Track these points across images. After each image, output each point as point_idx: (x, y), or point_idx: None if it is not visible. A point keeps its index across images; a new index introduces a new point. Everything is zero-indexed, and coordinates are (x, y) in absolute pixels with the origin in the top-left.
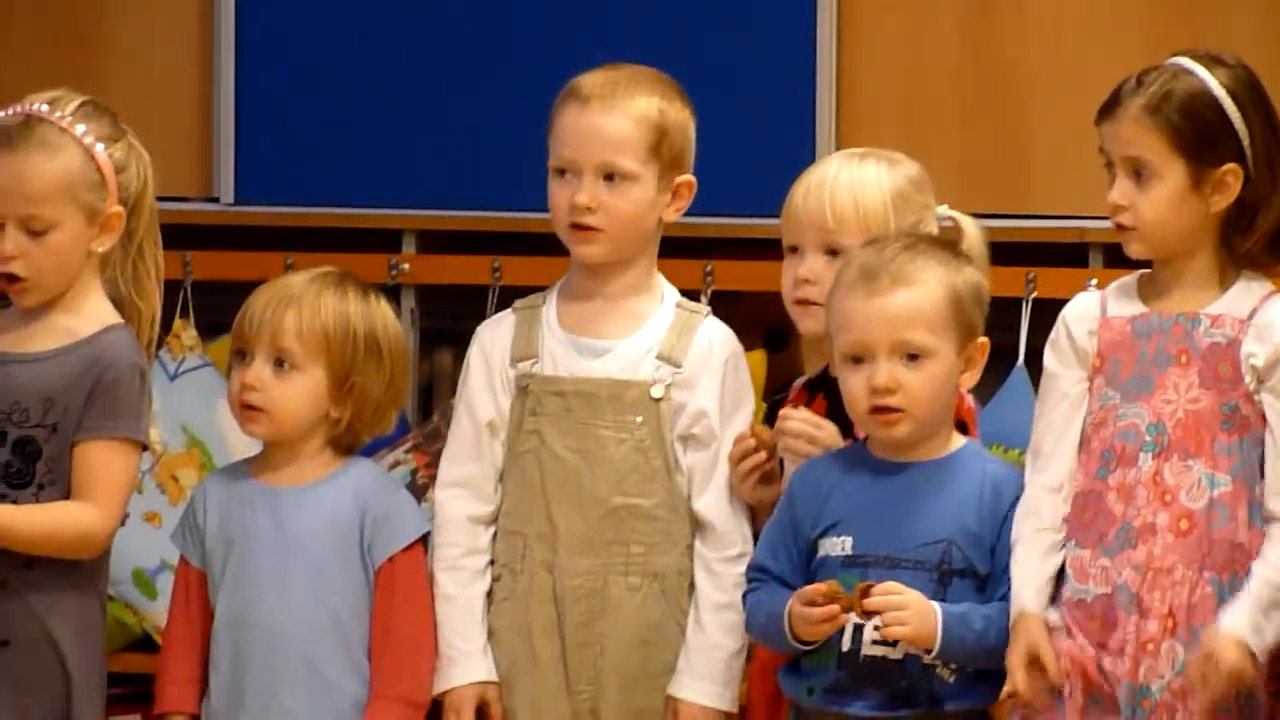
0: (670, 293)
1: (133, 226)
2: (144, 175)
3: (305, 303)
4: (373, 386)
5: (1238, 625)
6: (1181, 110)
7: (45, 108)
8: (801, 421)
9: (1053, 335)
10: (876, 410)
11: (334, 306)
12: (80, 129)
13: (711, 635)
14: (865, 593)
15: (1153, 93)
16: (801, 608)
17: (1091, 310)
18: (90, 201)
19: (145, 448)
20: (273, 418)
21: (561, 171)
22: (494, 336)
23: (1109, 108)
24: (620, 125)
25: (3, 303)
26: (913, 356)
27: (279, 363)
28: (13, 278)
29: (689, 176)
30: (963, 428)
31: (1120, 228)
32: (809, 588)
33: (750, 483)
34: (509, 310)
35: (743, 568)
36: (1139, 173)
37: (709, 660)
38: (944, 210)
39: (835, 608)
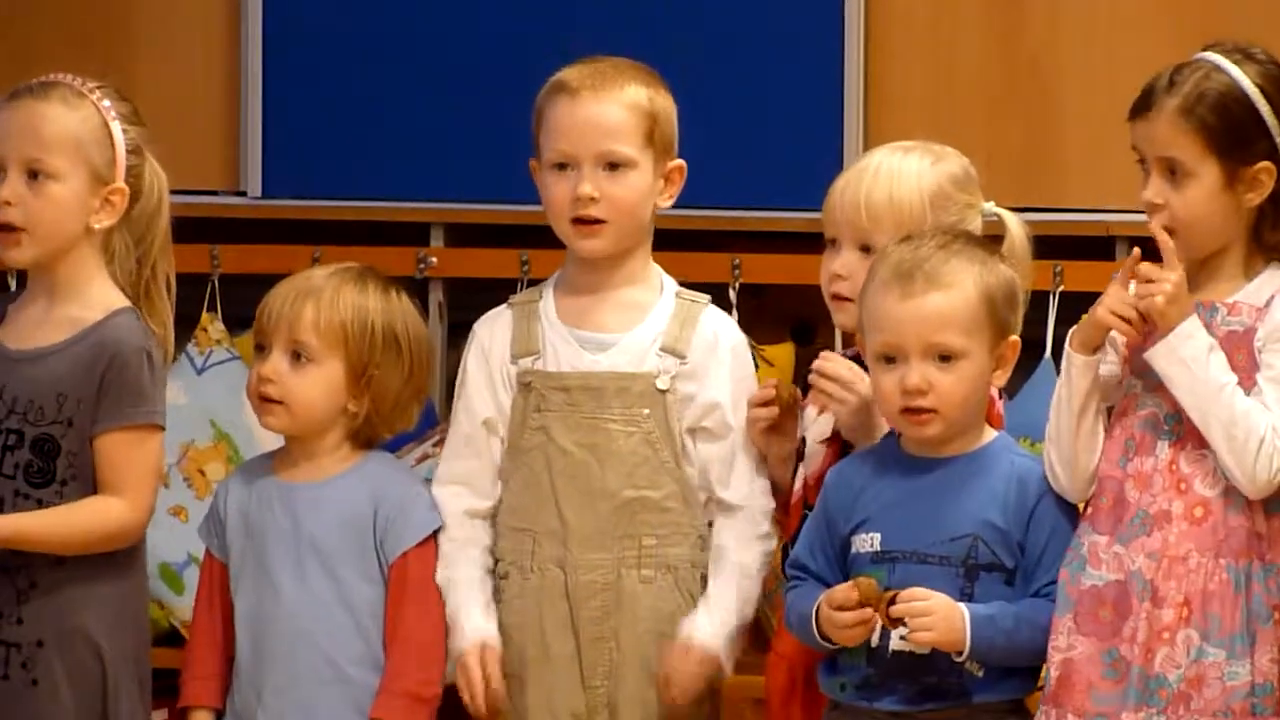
0: (669, 283)
1: (147, 245)
2: (159, 193)
3: (324, 296)
4: (391, 381)
5: None
6: (1215, 110)
7: (72, 78)
8: (842, 366)
9: None
10: (908, 410)
11: (353, 300)
12: (98, 96)
13: (727, 599)
14: (891, 601)
15: (1186, 93)
16: (830, 611)
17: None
18: (97, 165)
19: (163, 428)
20: (289, 410)
21: (561, 166)
22: (491, 333)
23: (1141, 107)
24: (615, 113)
25: (8, 297)
26: (945, 358)
27: (296, 355)
28: (7, 227)
29: (680, 161)
30: None
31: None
32: (838, 591)
33: (757, 429)
34: (504, 306)
35: (769, 547)
36: (1173, 172)
37: (723, 622)
38: (990, 207)
39: (867, 611)
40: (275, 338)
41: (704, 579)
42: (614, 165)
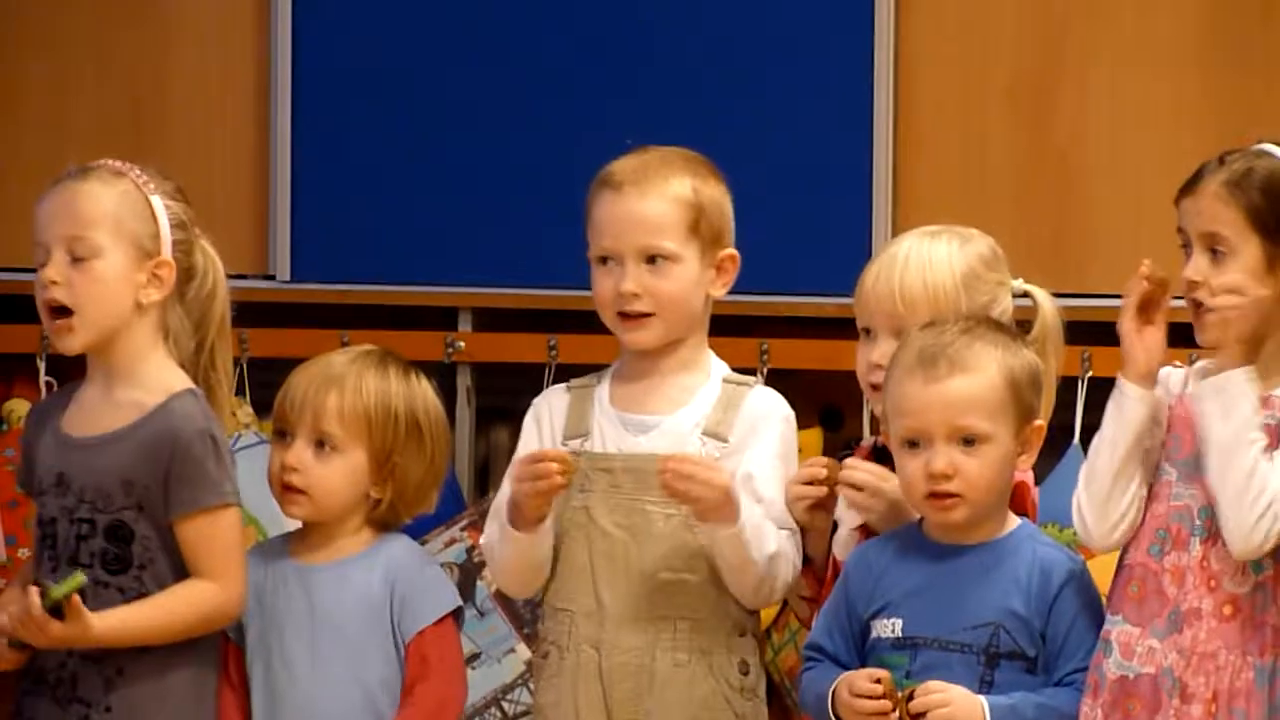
0: (719, 367)
1: (205, 329)
2: (215, 275)
3: (347, 384)
4: (414, 467)
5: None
6: (1262, 189)
7: (113, 162)
8: (866, 473)
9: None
10: (933, 495)
11: (376, 387)
12: (138, 175)
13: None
14: (909, 696)
15: (1234, 170)
16: (850, 698)
17: (1175, 386)
18: (139, 238)
19: (236, 504)
20: (313, 499)
21: (604, 260)
22: (550, 409)
23: (1190, 185)
24: (656, 208)
25: (73, 386)
26: (969, 441)
27: (319, 444)
28: (59, 311)
29: (732, 250)
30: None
31: (1195, 307)
32: (860, 678)
33: (801, 508)
34: (564, 387)
35: (769, 550)
36: (1215, 250)
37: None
38: (1020, 284)
39: (885, 704)
40: (299, 426)
41: (740, 665)
42: (656, 259)
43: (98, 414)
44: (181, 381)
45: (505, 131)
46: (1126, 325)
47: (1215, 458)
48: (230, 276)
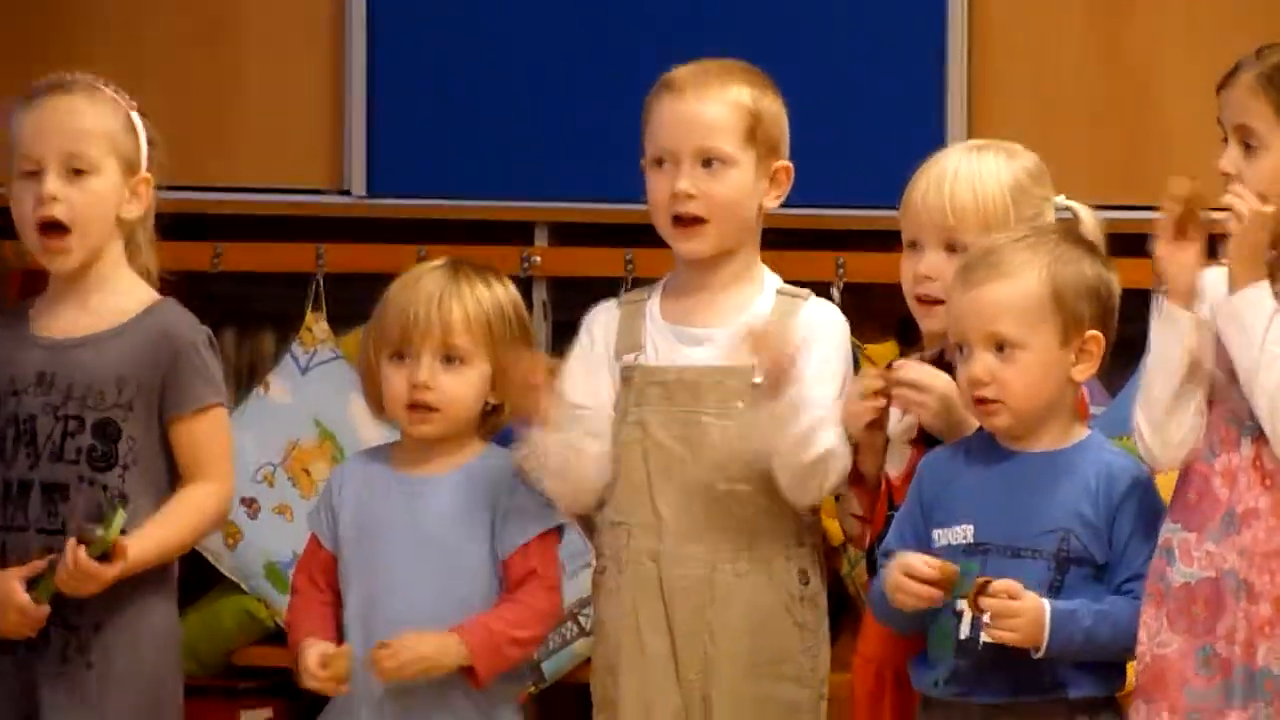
0: (771, 280)
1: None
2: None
3: (465, 295)
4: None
5: None
6: None
7: (82, 75)
8: (916, 371)
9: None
10: (977, 401)
11: (487, 295)
12: (113, 89)
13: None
14: (983, 588)
15: (1269, 63)
16: (900, 576)
17: (1220, 288)
18: (129, 156)
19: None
20: (446, 414)
21: (660, 162)
22: (601, 325)
23: (1228, 77)
24: (715, 111)
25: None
26: (1003, 347)
27: (447, 359)
28: (55, 226)
29: (786, 162)
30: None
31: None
32: (916, 559)
33: (861, 420)
34: (615, 302)
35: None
36: (1248, 144)
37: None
38: (1062, 200)
39: (934, 593)
40: (425, 343)
41: (800, 574)
42: (711, 162)
43: (73, 319)
44: (152, 291)
45: (581, 45)
46: (1160, 247)
47: (1244, 377)
48: (306, 191)
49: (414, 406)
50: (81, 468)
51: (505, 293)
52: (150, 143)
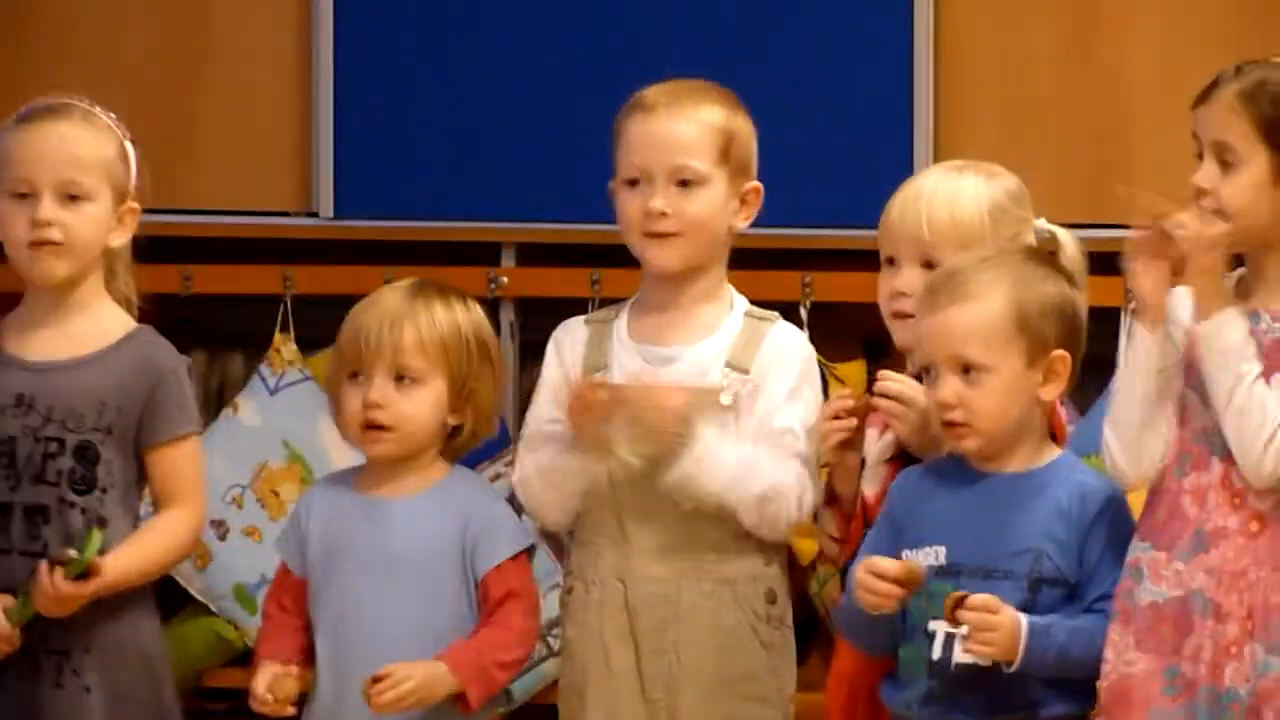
0: (739, 302)
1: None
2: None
3: (419, 316)
4: (485, 389)
5: None
6: (1274, 100)
7: (78, 99)
8: (898, 383)
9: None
10: (946, 424)
11: (445, 316)
12: (109, 115)
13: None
14: (959, 603)
15: (1249, 80)
16: (864, 575)
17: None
18: (121, 184)
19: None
20: (398, 434)
21: (633, 182)
22: (569, 342)
23: (1206, 93)
24: (688, 130)
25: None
26: (969, 370)
27: (399, 378)
28: (46, 242)
29: (756, 183)
30: (1054, 439)
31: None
32: (881, 559)
33: (833, 441)
34: (582, 319)
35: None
36: (1225, 161)
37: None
38: (1043, 224)
39: (900, 590)
40: (376, 364)
41: (766, 594)
42: (686, 182)
43: (52, 342)
44: (129, 319)
45: (548, 65)
46: (1130, 267)
47: (1217, 402)
48: (273, 214)
49: (367, 426)
50: (62, 490)
51: (466, 314)
52: (139, 172)
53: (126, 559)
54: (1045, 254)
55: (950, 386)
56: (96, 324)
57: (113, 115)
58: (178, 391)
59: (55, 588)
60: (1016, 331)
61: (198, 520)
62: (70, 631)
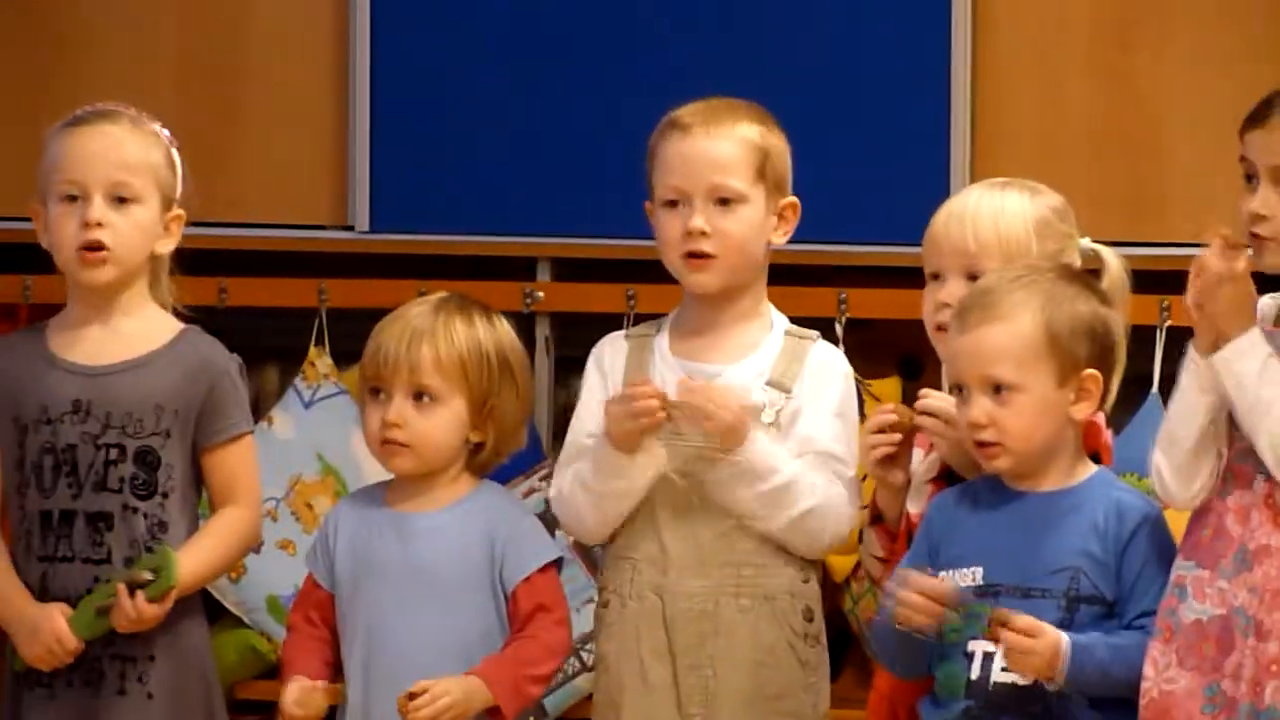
0: (779, 320)
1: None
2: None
3: (438, 334)
4: (509, 406)
5: None
6: None
7: (125, 106)
8: (940, 400)
9: None
10: (977, 444)
11: (465, 333)
12: (157, 123)
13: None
14: (1002, 621)
15: None
16: (904, 591)
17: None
18: (168, 190)
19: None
20: (417, 452)
21: (672, 203)
22: (612, 356)
23: (1259, 116)
24: (726, 148)
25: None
26: (1000, 390)
27: (418, 396)
28: (96, 246)
29: (794, 199)
30: (1098, 459)
31: (1255, 238)
32: (919, 575)
33: (875, 456)
34: (622, 334)
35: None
36: None
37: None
38: (1087, 243)
39: (939, 608)
40: (395, 382)
41: (804, 611)
42: (725, 201)
43: (103, 345)
44: (175, 320)
45: (585, 80)
46: (1190, 299)
47: (1244, 424)
48: (309, 227)
49: (386, 443)
50: (125, 496)
51: (488, 330)
52: (185, 178)
53: (195, 564)
54: (1078, 271)
55: (981, 406)
56: (145, 327)
57: (159, 123)
58: (232, 390)
59: (139, 611)
60: (1047, 351)
61: (256, 518)
62: (135, 639)
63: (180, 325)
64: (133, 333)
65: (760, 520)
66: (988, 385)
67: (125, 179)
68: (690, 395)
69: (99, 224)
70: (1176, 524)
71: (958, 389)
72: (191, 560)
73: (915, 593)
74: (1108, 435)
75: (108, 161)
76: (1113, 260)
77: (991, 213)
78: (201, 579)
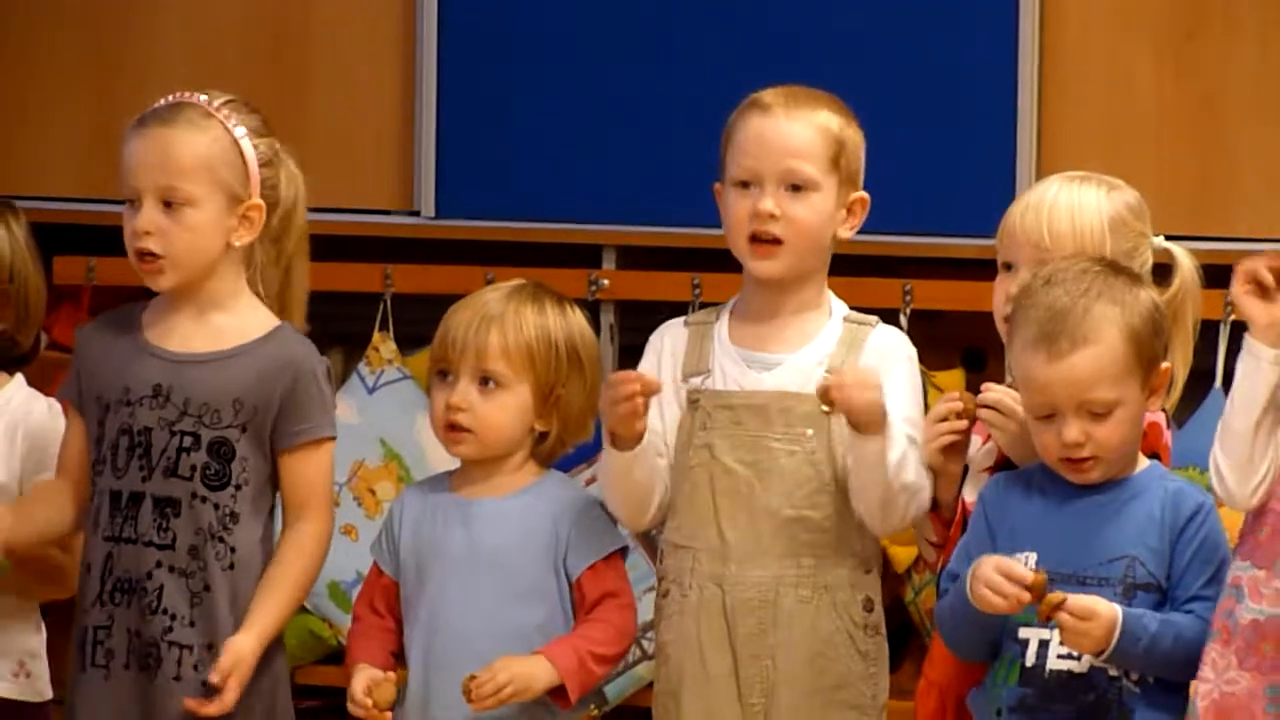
0: (839, 307)
1: (283, 244)
2: (296, 190)
3: (507, 320)
4: (575, 396)
5: None
6: None
7: (200, 97)
8: (1001, 392)
9: None
10: (1068, 460)
11: (535, 321)
12: (226, 114)
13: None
14: (1059, 605)
15: None
16: (994, 574)
17: None
18: (231, 185)
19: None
20: (480, 437)
21: (744, 184)
22: (669, 347)
23: None
24: (804, 133)
25: (140, 306)
26: (1099, 412)
27: (484, 381)
28: (148, 255)
29: (864, 194)
30: (1158, 459)
31: None
32: (1012, 562)
33: (940, 444)
34: (681, 321)
35: (908, 478)
36: None
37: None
38: (1160, 242)
39: (1027, 595)
40: (462, 365)
41: (864, 601)
42: (797, 187)
43: (193, 335)
44: (273, 317)
45: (652, 67)
46: (1236, 290)
47: None
48: (375, 212)
49: (450, 427)
50: (195, 484)
51: (559, 319)
52: (266, 164)
53: (266, 611)
54: (1115, 262)
55: (1078, 428)
56: (237, 320)
57: (238, 110)
58: (316, 393)
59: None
60: (1135, 360)
61: (327, 533)
62: (195, 629)
63: (275, 322)
64: (223, 325)
65: (876, 491)
66: (1087, 409)
67: (174, 184)
68: (841, 377)
69: (147, 232)
70: (1231, 525)
71: (1047, 417)
72: (270, 603)
73: (1004, 577)
74: (1168, 436)
75: (156, 166)
76: (1185, 259)
77: (1068, 208)
78: (278, 627)
